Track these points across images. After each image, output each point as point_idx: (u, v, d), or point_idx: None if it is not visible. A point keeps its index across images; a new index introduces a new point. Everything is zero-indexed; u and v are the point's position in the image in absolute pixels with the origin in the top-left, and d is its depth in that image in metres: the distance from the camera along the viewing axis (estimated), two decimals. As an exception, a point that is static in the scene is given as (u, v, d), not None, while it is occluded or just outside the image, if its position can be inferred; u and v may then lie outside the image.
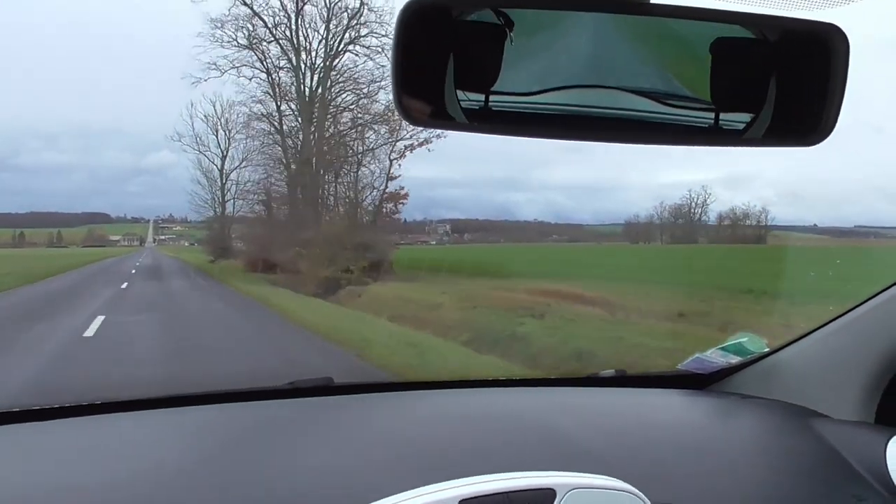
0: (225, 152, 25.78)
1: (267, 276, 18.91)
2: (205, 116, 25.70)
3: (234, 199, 26.48)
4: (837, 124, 0.91)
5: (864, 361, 1.46)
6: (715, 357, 1.69)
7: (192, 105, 27.99)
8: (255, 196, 22.80)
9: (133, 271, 22.39)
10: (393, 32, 0.84)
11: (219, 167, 25.95)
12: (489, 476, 1.00)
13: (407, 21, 0.83)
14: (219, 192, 26.34)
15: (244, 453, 1.25)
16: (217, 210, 27.38)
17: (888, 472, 1.24)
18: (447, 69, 0.87)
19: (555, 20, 0.91)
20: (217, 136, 25.37)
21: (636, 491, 1.00)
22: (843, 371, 1.50)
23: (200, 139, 25.31)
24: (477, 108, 0.90)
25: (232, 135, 25.09)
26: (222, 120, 24.94)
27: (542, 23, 0.91)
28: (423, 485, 1.03)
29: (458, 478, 1.03)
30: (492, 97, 0.90)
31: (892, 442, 1.27)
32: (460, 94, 0.88)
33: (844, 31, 0.89)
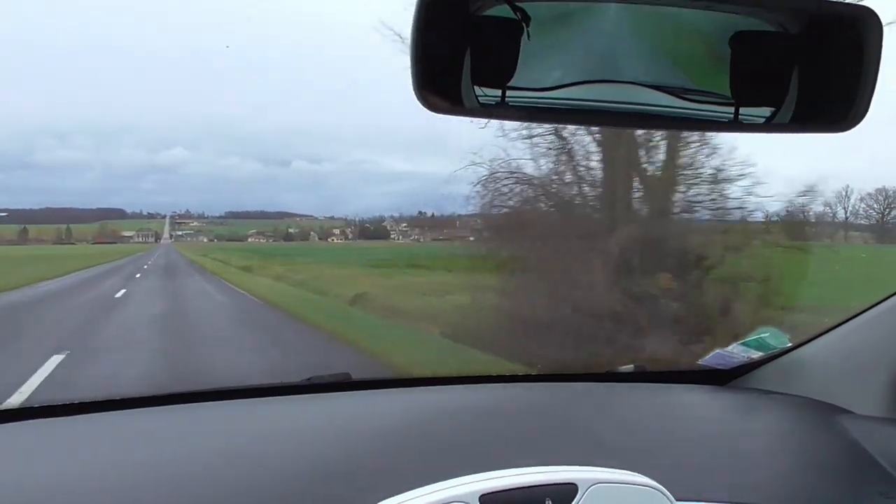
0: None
1: None
2: None
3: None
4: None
5: (889, 356, 1.44)
6: (736, 352, 1.67)
7: None
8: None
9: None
10: (411, 25, 0.84)
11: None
12: (509, 471, 0.99)
13: (425, 15, 0.83)
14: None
15: (262, 449, 1.26)
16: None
17: None
18: (464, 63, 0.87)
19: (571, 15, 0.90)
20: None
21: (659, 486, 0.98)
22: (868, 366, 1.48)
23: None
24: (494, 102, 0.89)
25: None
26: None
27: (558, 17, 0.90)
28: (443, 480, 1.03)
29: (477, 473, 1.03)
30: (508, 92, 0.89)
31: None
32: (477, 89, 0.88)
33: (877, 13, 0.86)
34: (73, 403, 1.39)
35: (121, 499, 1.07)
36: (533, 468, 1.00)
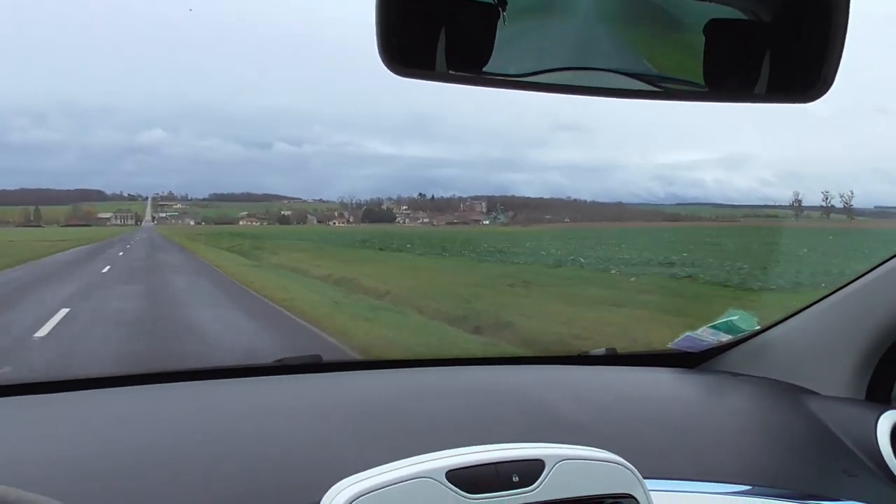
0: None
1: None
2: None
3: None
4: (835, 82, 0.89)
5: (854, 338, 1.46)
6: (705, 335, 1.68)
7: None
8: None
9: None
10: None
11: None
12: (477, 447, 0.99)
13: None
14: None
15: (232, 430, 1.26)
16: None
17: (878, 448, 1.25)
18: (439, 37, 0.85)
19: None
20: None
21: (626, 462, 0.99)
22: (834, 348, 1.49)
23: None
24: (469, 71, 0.88)
25: None
26: None
27: (534, 3, 0.89)
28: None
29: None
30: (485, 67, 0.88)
31: (882, 418, 1.28)
32: (450, 49, 0.87)
33: None
34: (36, 383, 1.38)
35: (85, 478, 1.07)
36: (500, 445, 1.00)
